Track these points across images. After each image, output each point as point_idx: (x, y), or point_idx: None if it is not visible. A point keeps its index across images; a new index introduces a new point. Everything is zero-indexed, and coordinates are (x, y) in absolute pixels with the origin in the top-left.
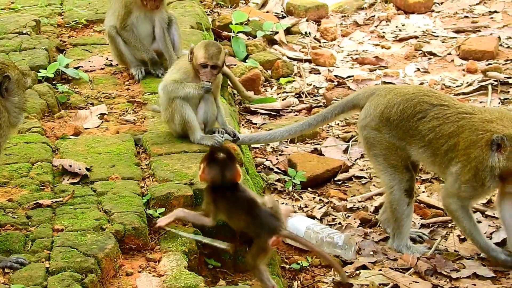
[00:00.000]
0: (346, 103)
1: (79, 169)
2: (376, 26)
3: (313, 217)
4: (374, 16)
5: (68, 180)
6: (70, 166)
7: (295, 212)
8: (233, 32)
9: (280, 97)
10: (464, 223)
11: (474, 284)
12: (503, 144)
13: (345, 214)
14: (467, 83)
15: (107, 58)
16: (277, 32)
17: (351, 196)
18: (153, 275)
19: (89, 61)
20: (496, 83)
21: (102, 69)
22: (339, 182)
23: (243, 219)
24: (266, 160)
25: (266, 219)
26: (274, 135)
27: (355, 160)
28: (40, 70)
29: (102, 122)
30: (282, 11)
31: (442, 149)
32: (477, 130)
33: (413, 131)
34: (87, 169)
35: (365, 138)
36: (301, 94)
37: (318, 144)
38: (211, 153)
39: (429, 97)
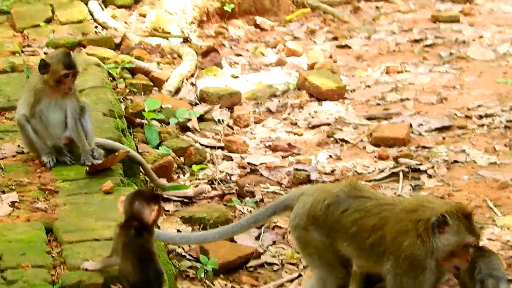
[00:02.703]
0: (278, 205)
1: None
2: (289, 113)
3: None
4: (287, 103)
5: None
6: None
7: None
8: (146, 119)
9: (192, 184)
10: None
11: None
12: (442, 223)
13: None
14: (378, 169)
15: (18, 146)
16: (190, 119)
17: (263, 283)
18: None
19: (1, 149)
20: (407, 169)
21: (13, 156)
22: (251, 269)
23: (133, 263)
24: (178, 247)
25: (153, 274)
26: (206, 236)
27: (267, 246)
28: None
29: (13, 210)
30: (195, 98)
31: (367, 242)
32: (402, 220)
33: (337, 225)
34: None
35: (296, 238)
36: (214, 181)
37: None
38: (137, 191)
39: (354, 190)
